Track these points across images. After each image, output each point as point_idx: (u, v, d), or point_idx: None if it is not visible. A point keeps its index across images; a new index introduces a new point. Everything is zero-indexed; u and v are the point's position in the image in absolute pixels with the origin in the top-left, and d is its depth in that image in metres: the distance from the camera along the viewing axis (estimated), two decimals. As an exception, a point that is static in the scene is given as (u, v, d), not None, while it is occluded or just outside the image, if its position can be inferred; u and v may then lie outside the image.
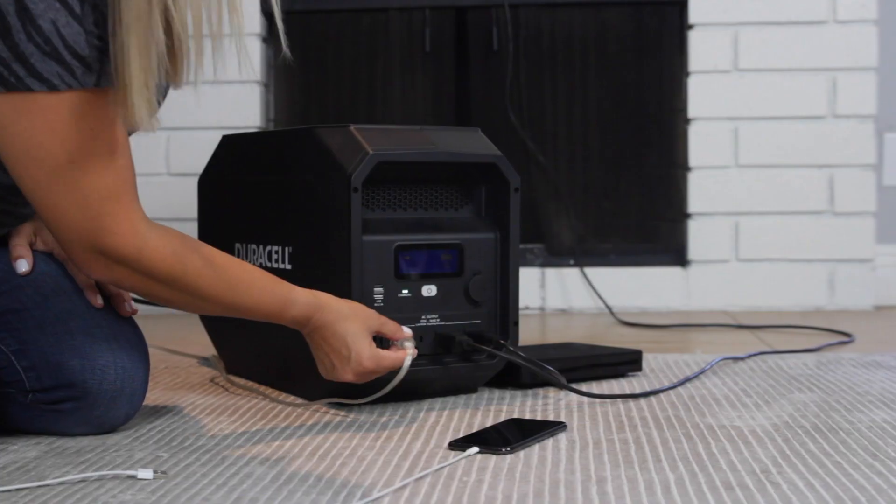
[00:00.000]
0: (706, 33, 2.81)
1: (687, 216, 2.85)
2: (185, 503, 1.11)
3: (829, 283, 2.82)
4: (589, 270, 2.84)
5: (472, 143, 1.65)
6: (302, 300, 1.41)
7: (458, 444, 1.33)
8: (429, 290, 1.60)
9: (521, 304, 2.85)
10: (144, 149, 2.87)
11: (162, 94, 1.35)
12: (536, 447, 1.34)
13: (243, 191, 1.77)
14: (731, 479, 1.19)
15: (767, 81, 2.80)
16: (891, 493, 1.13)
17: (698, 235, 2.84)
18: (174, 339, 2.29)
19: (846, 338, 2.29)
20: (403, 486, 1.17)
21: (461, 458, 1.28)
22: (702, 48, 2.82)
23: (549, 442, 1.37)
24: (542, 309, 2.86)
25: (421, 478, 1.20)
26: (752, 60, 2.80)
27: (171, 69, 1.27)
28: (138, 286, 1.32)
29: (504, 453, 1.30)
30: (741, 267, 2.83)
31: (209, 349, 2.02)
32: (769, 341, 2.27)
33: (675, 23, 2.89)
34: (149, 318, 2.76)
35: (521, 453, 1.31)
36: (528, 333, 2.44)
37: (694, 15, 2.81)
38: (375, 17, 2.93)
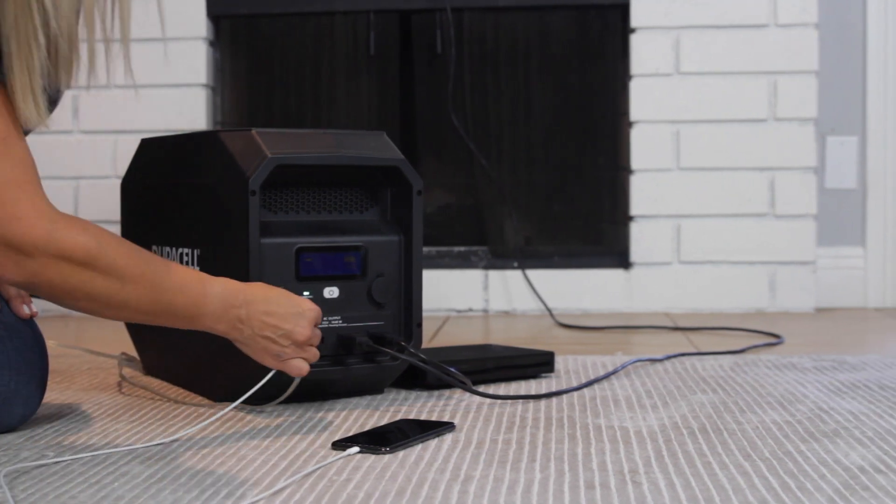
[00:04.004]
0: (648, 37, 2.83)
1: (629, 219, 2.86)
2: (51, 501, 1.13)
3: (770, 286, 2.83)
4: (532, 273, 2.86)
5: (376, 147, 1.66)
6: (217, 279, 1.40)
7: (341, 444, 1.35)
8: (331, 292, 1.62)
9: (465, 305, 2.87)
10: (92, 151, 2.90)
11: (54, 95, 1.37)
12: (418, 447, 1.36)
13: (158, 194, 1.79)
14: (596, 479, 1.21)
15: (709, 84, 2.82)
16: (747, 492, 1.15)
17: (640, 238, 2.85)
18: (99, 340, 2.31)
19: (775, 339, 2.31)
20: (269, 485, 1.19)
21: (339, 458, 1.30)
22: (644, 52, 2.83)
23: (433, 442, 1.39)
24: (485, 311, 2.88)
25: (291, 477, 1.22)
26: (693, 64, 2.82)
27: (63, 73, 1.29)
28: (55, 280, 1.27)
29: (383, 453, 1.32)
30: (683, 269, 2.85)
31: (132, 350, 2.03)
32: (700, 343, 2.29)
33: (617, 26, 2.91)
34: (73, 320, 2.79)
35: (401, 453, 1.33)
36: (471, 335, 2.46)
37: (636, 19, 2.83)
38: (320, 20, 2.95)
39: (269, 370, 1.47)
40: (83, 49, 1.32)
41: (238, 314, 1.40)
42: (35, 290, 1.32)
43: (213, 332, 1.42)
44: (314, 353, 1.46)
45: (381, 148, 1.67)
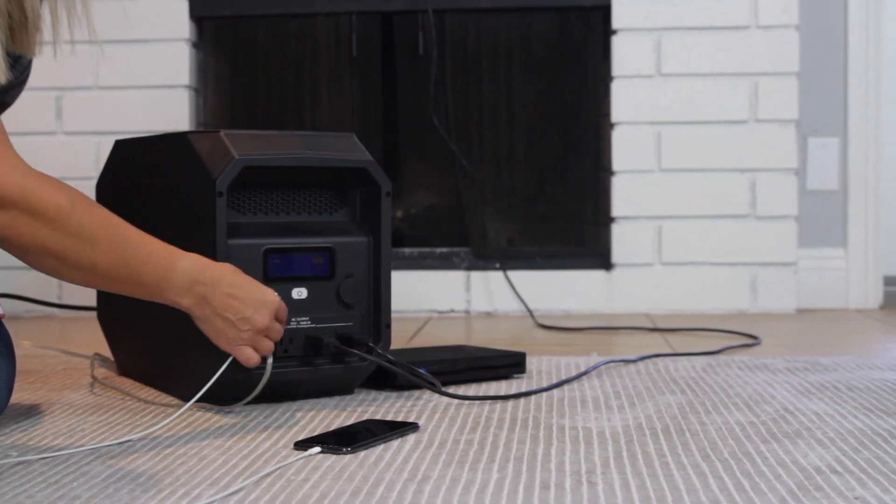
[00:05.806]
0: (629, 38, 2.84)
1: (611, 220, 2.87)
2: (8, 501, 1.14)
3: (751, 287, 2.84)
4: (514, 274, 2.87)
5: (345, 148, 1.67)
6: (187, 254, 1.43)
7: (303, 444, 1.35)
8: (299, 293, 1.63)
9: (447, 306, 2.88)
10: (75, 152, 2.91)
11: (22, 67, 1.38)
12: (380, 447, 1.36)
13: (131, 195, 1.80)
14: (552, 480, 1.21)
15: (690, 86, 2.83)
16: (701, 492, 1.16)
17: (622, 239, 2.86)
18: (77, 341, 2.32)
19: (752, 340, 2.31)
20: (227, 485, 1.19)
21: (300, 458, 1.30)
22: (625, 53, 2.84)
23: (396, 442, 1.39)
24: (467, 312, 2.88)
25: (249, 477, 1.22)
26: (674, 65, 2.83)
27: (23, 40, 1.29)
28: (24, 234, 1.28)
29: (345, 453, 1.32)
30: (664, 270, 2.85)
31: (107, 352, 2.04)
32: (678, 344, 2.29)
33: (598, 28, 2.92)
34: (55, 321, 2.79)
35: (362, 453, 1.33)
36: (451, 336, 2.47)
37: (617, 20, 2.84)
38: (303, 22, 2.95)
39: (220, 365, 1.49)
40: (45, 10, 1.31)
41: (203, 291, 1.42)
42: (3, 244, 1.31)
43: (176, 307, 1.44)
44: (268, 346, 1.49)
45: (349, 149, 1.67)
